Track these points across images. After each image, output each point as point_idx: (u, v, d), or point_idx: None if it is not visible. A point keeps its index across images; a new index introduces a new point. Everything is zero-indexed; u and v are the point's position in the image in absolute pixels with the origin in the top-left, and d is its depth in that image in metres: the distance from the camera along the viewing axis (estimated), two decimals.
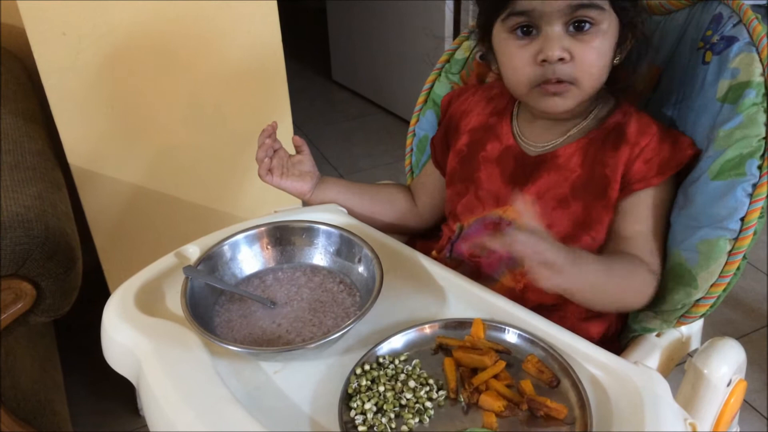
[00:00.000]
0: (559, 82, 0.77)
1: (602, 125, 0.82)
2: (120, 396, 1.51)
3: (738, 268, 0.74)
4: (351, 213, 0.93)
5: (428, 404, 0.65)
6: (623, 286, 0.75)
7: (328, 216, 0.89)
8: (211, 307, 0.77)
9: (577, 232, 0.81)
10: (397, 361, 0.69)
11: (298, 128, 1.40)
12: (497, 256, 0.85)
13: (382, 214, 0.98)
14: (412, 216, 1.00)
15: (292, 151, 0.95)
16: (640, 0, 0.81)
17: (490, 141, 0.89)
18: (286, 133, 1.40)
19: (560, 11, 0.74)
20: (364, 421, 0.63)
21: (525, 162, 0.85)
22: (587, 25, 0.75)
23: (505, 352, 0.70)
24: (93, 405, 1.51)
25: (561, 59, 0.75)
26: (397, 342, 0.71)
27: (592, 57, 0.76)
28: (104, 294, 1.34)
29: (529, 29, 0.76)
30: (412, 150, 1.10)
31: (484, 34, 0.84)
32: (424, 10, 2.36)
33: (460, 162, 0.92)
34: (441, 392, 0.66)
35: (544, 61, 0.76)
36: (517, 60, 0.78)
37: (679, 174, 0.80)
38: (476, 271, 0.86)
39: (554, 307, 0.82)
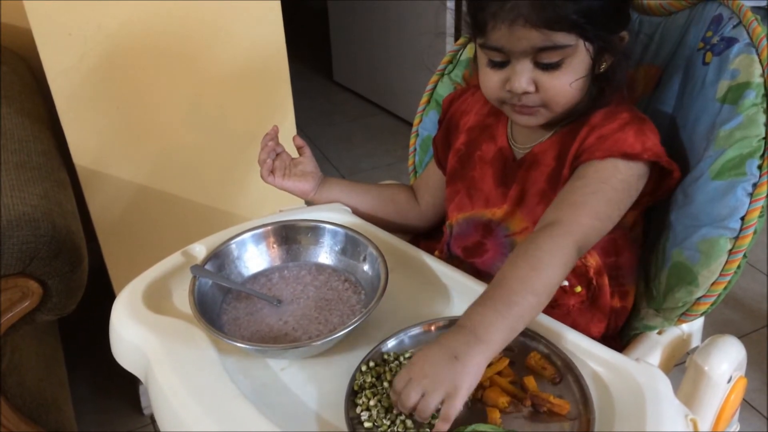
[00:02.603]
0: (526, 106, 0.80)
1: (577, 120, 0.82)
2: (124, 394, 1.52)
3: (738, 267, 0.75)
4: (354, 212, 0.94)
5: None
6: (545, 278, 0.68)
7: (334, 215, 0.90)
8: (219, 305, 0.78)
9: None
10: (402, 358, 0.70)
11: (300, 129, 1.40)
12: (491, 254, 0.86)
13: (385, 213, 0.98)
14: (414, 215, 1.01)
15: (294, 153, 0.97)
16: (614, 20, 0.78)
17: (486, 141, 0.91)
18: (288, 134, 1.40)
19: (525, 51, 0.75)
20: (369, 416, 0.64)
21: (511, 165, 0.87)
22: (554, 62, 0.75)
23: (508, 348, 0.70)
24: (97, 403, 1.52)
25: (526, 92, 0.77)
26: (401, 339, 0.72)
27: (558, 88, 0.77)
28: (108, 293, 1.36)
29: (501, 62, 0.78)
30: (415, 150, 1.11)
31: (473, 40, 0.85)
32: (425, 11, 2.37)
33: (458, 161, 0.93)
34: None
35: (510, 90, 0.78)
36: (489, 81, 0.81)
37: (658, 175, 0.79)
38: (473, 269, 0.87)
39: (553, 302, 0.83)
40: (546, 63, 0.75)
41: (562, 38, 0.74)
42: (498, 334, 0.64)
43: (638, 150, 0.76)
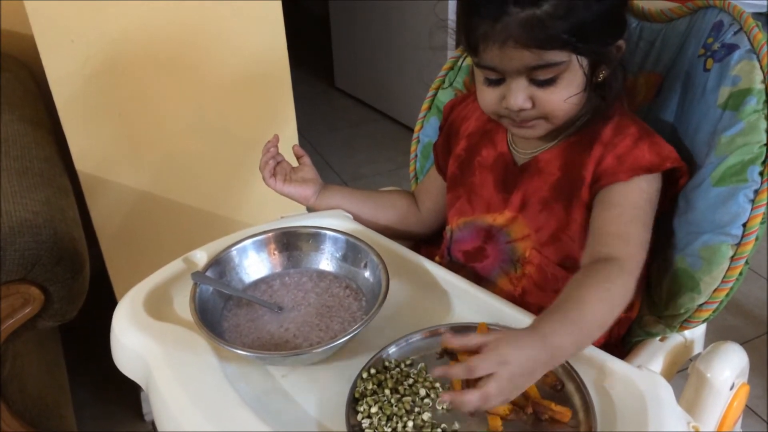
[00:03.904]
0: (525, 120, 0.80)
1: (583, 129, 0.82)
2: (125, 400, 1.52)
3: (740, 273, 0.75)
4: (355, 219, 0.94)
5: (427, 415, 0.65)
6: (605, 308, 0.69)
7: (335, 221, 0.90)
8: (219, 311, 0.78)
9: (559, 233, 0.82)
10: (403, 365, 0.70)
11: (301, 135, 1.41)
12: (491, 260, 0.86)
13: (386, 220, 0.98)
14: (415, 221, 1.01)
15: (294, 162, 0.97)
16: (608, 32, 0.77)
17: (486, 147, 0.91)
18: (290, 140, 1.41)
19: (518, 70, 0.75)
20: (371, 424, 0.64)
21: (513, 170, 0.87)
22: (548, 78, 0.75)
23: None
24: (98, 409, 1.52)
25: (522, 109, 0.77)
26: (403, 346, 0.72)
27: (555, 102, 0.77)
28: (110, 299, 1.36)
29: (497, 79, 0.78)
30: (416, 156, 1.11)
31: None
32: (427, 16, 2.37)
33: (458, 167, 0.93)
34: None
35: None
36: (486, 98, 0.81)
37: (666, 182, 0.79)
38: (473, 274, 0.87)
39: None
40: (540, 79, 0.75)
41: (554, 56, 0.73)
42: (565, 338, 0.64)
43: (658, 162, 0.77)
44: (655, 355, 0.81)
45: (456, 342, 0.63)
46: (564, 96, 0.76)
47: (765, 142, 0.73)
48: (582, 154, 0.81)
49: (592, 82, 0.78)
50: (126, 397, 1.51)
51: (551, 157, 0.83)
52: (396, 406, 0.65)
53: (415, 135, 1.11)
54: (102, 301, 1.25)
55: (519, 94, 0.76)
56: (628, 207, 0.76)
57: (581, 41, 0.72)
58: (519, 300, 0.82)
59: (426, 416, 0.65)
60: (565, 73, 0.75)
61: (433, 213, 1.01)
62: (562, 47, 0.73)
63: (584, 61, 0.75)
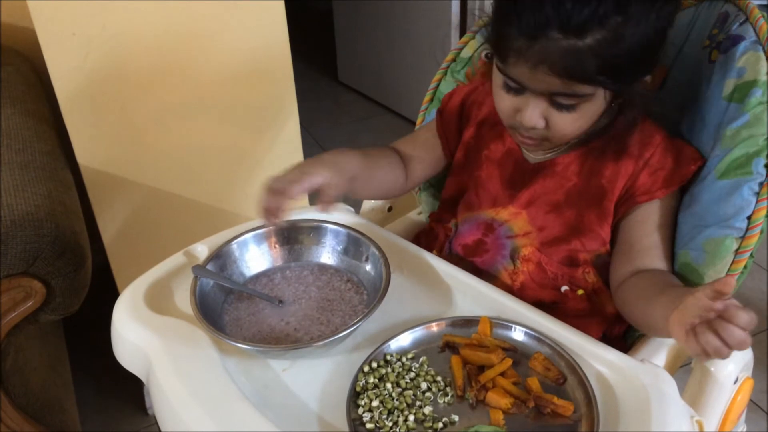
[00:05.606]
0: (531, 138, 0.79)
1: (604, 135, 0.81)
2: (128, 394, 1.52)
3: (745, 267, 0.74)
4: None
5: (428, 409, 0.65)
6: None
7: (336, 215, 0.90)
8: (220, 305, 0.78)
9: (568, 236, 0.82)
10: (404, 359, 0.70)
11: (305, 129, 1.40)
12: (492, 254, 0.86)
13: (379, 189, 0.95)
14: (399, 190, 0.97)
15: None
16: (639, 71, 0.74)
17: (494, 141, 0.90)
18: (292, 134, 1.41)
19: (542, 91, 0.73)
20: (372, 418, 0.63)
21: (524, 168, 0.86)
22: (569, 104, 0.74)
23: (511, 349, 0.70)
24: (101, 403, 1.52)
25: (535, 127, 0.76)
26: (404, 340, 0.72)
27: (566, 129, 0.76)
28: (112, 293, 1.36)
29: (516, 89, 0.76)
30: None
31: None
32: (431, 10, 2.36)
33: (465, 154, 0.93)
34: (448, 389, 0.67)
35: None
36: (502, 103, 0.79)
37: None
38: (473, 267, 0.87)
39: (553, 305, 0.82)
40: (561, 103, 0.74)
41: (582, 88, 0.71)
42: None
43: (686, 171, 0.78)
44: (659, 349, 0.80)
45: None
46: (578, 124, 0.75)
47: None
48: (605, 164, 0.81)
49: (611, 105, 0.77)
50: (129, 391, 1.52)
51: (570, 161, 0.83)
52: (397, 399, 0.65)
53: (417, 128, 1.10)
54: (105, 295, 1.25)
55: (535, 113, 0.75)
56: (664, 226, 0.79)
57: (614, 80, 0.71)
58: (517, 295, 0.82)
59: (427, 410, 0.65)
60: (586, 103, 0.74)
61: (418, 180, 0.98)
62: (595, 83, 0.71)
63: (609, 95, 0.74)
